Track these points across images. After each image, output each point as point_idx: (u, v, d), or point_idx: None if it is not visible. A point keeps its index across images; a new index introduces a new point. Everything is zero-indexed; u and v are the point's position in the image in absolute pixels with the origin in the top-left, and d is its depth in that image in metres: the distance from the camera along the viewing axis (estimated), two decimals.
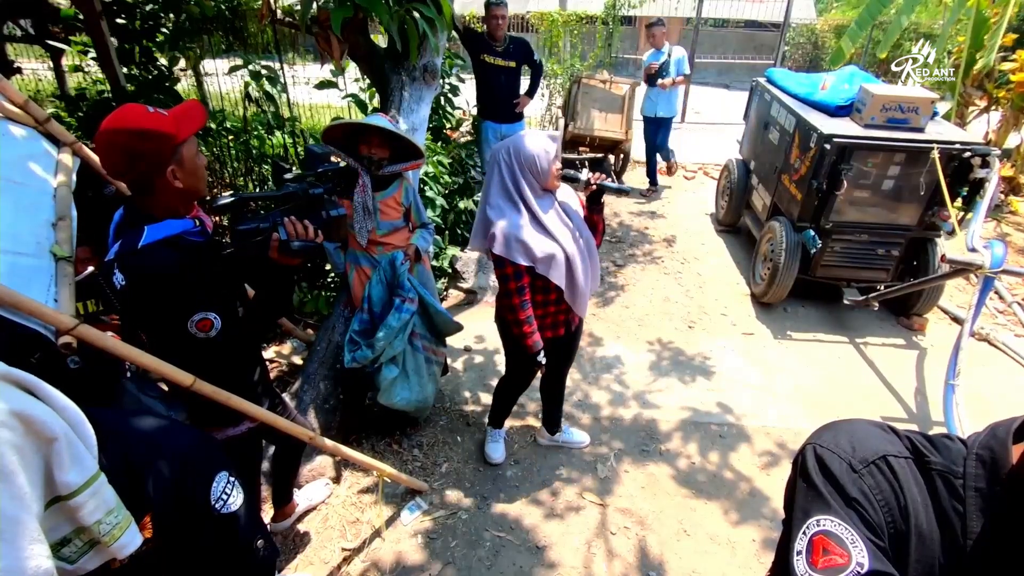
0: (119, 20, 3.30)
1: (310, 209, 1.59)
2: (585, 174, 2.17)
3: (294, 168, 1.63)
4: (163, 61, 3.63)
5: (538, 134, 2.08)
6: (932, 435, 0.80)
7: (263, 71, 3.53)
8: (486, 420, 2.84)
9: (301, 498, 2.47)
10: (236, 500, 0.95)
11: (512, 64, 4.58)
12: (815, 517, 0.74)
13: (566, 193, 2.25)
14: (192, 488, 0.90)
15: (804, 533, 0.74)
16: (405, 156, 2.53)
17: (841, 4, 16.72)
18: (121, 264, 1.39)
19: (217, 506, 0.92)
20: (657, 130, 5.95)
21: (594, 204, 2.27)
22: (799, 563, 0.73)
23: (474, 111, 5.37)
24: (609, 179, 2.17)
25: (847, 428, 0.82)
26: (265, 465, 2.63)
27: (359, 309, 2.59)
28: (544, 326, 2.27)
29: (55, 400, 0.72)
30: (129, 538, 0.79)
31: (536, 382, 2.71)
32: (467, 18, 9.26)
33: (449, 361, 3.43)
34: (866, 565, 0.68)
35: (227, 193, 1.70)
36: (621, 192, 2.22)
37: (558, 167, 2.08)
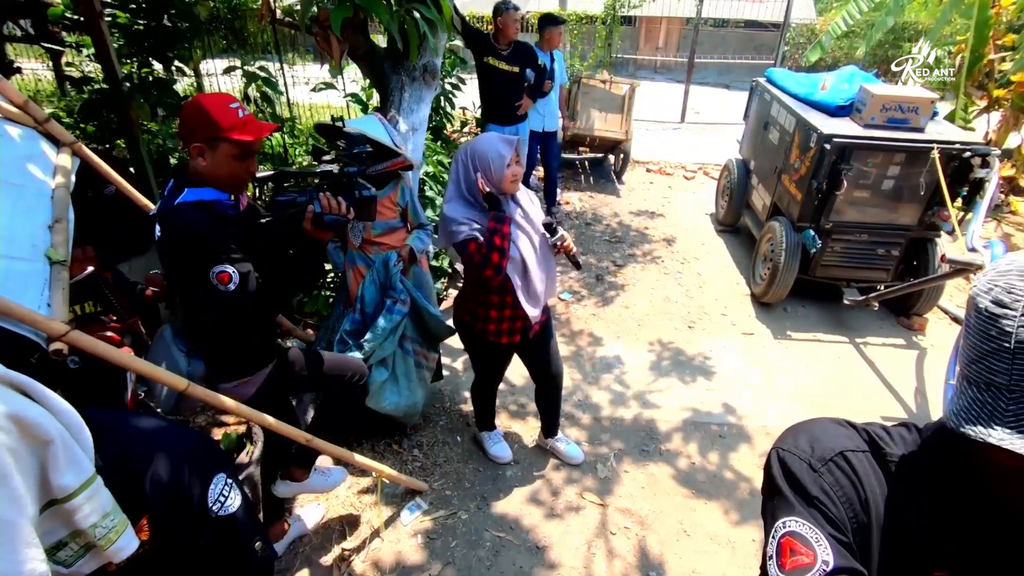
0: (118, 17, 3.28)
1: (344, 188, 1.72)
2: (559, 232, 2.23)
3: (336, 151, 1.76)
4: (158, 66, 3.62)
5: (496, 137, 2.09)
6: (890, 426, 0.82)
7: (259, 72, 3.53)
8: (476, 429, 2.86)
9: (294, 524, 2.37)
10: (234, 501, 0.95)
11: (516, 69, 4.53)
12: (781, 519, 0.76)
13: (528, 199, 2.27)
14: (190, 489, 0.89)
15: (773, 536, 0.76)
16: (387, 155, 2.50)
17: (841, 4, 16.71)
18: (160, 217, 1.60)
19: (215, 508, 0.92)
20: (546, 146, 5.33)
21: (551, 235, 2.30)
22: (771, 567, 0.75)
23: (478, 113, 5.35)
24: (575, 250, 2.27)
25: (806, 428, 0.84)
26: (252, 470, 2.62)
27: (351, 309, 2.58)
28: (500, 331, 2.29)
29: (51, 402, 0.72)
30: (125, 541, 0.78)
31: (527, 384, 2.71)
32: (467, 17, 9.25)
33: (449, 361, 3.43)
34: (831, 563, 0.69)
35: (268, 166, 1.86)
36: (575, 265, 2.33)
37: (514, 171, 2.08)
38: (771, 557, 0.75)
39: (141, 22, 3.30)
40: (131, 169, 3.21)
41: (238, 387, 1.85)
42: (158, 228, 1.59)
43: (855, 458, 0.77)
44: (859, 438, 0.80)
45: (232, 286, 1.55)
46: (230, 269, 1.55)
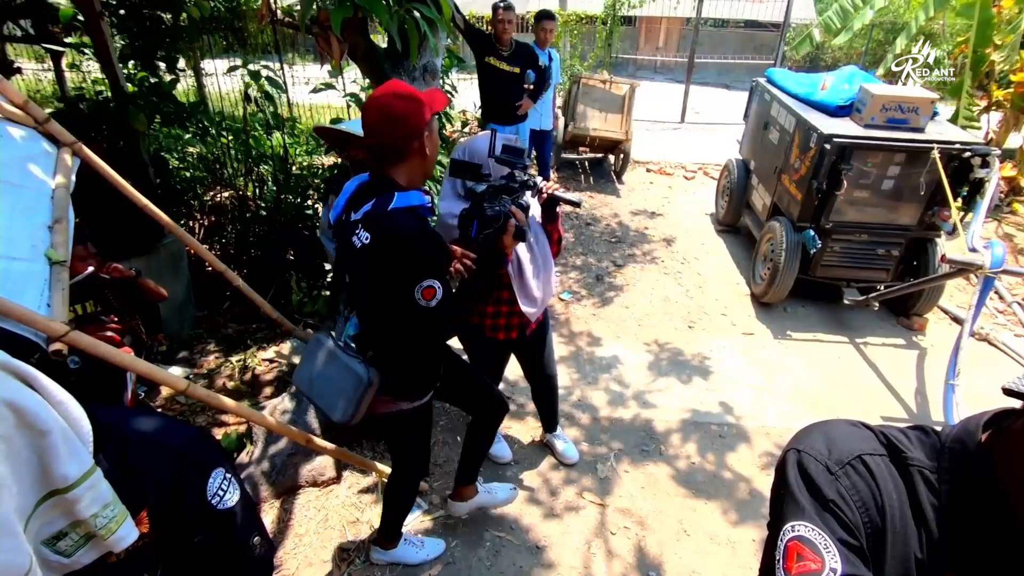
0: (122, 18, 3.29)
1: (513, 198, 1.77)
2: (538, 181, 2.18)
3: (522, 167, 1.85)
4: (160, 65, 3.62)
5: (488, 138, 2.08)
6: (907, 429, 0.81)
7: (263, 70, 3.53)
8: None
9: (483, 493, 2.39)
10: (233, 496, 0.95)
11: (516, 70, 4.53)
12: (790, 523, 0.75)
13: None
14: (188, 483, 0.90)
15: (781, 539, 0.75)
16: None
17: None
18: (368, 223, 1.48)
19: (213, 502, 0.92)
20: (542, 143, 5.39)
21: (547, 214, 2.27)
22: (778, 570, 0.74)
23: (479, 114, 5.35)
24: (561, 189, 2.19)
25: (822, 430, 0.83)
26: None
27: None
28: (497, 325, 2.31)
29: (51, 393, 0.72)
30: (126, 531, 0.79)
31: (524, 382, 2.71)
32: (467, 17, 9.25)
33: None
34: (839, 570, 0.69)
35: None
36: (572, 204, 2.19)
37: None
38: (778, 561, 0.74)
39: (128, 24, 3.30)
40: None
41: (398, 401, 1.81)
42: (366, 234, 1.47)
43: (873, 462, 0.77)
44: (876, 441, 0.79)
45: (434, 302, 1.50)
46: (436, 284, 1.49)
